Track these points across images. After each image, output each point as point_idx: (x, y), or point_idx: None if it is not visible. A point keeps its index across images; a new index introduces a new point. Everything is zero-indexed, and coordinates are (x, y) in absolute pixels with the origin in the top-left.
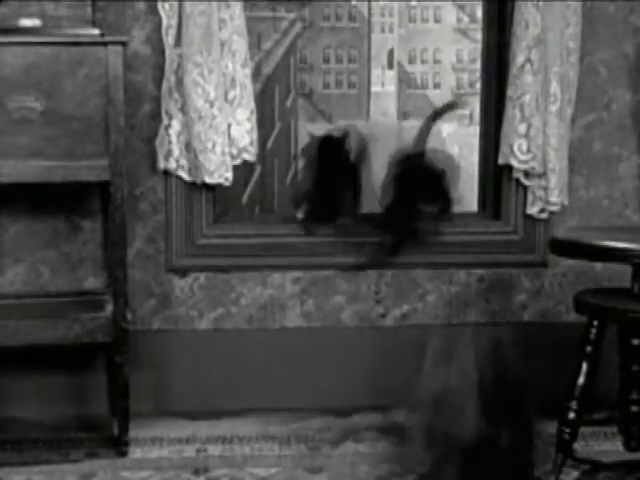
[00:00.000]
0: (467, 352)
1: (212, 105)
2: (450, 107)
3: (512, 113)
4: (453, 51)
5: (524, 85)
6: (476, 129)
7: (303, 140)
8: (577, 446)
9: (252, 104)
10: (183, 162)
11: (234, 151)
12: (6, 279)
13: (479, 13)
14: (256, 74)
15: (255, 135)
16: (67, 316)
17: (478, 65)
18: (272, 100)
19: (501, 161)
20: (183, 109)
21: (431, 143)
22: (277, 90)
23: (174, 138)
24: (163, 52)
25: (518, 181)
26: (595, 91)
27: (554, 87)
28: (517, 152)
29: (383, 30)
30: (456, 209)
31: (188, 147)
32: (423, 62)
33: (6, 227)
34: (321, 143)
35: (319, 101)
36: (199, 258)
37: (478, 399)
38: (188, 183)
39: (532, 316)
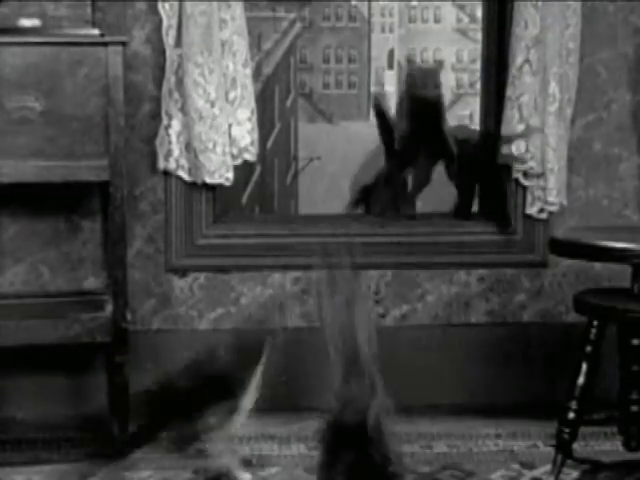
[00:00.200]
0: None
1: (213, 105)
2: None
3: (511, 113)
4: (453, 51)
5: (523, 85)
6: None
7: (303, 140)
8: (577, 446)
9: (253, 104)
10: (183, 162)
11: (235, 151)
12: (6, 279)
13: (479, 13)
14: (256, 74)
15: (256, 135)
16: (67, 316)
17: (478, 65)
18: (272, 100)
19: (501, 161)
20: (183, 109)
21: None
22: (277, 90)
23: (174, 138)
24: (163, 52)
25: (517, 181)
26: (595, 91)
27: (553, 87)
28: (516, 152)
29: (383, 30)
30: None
31: (188, 147)
32: (423, 62)
33: (6, 227)
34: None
35: (319, 101)
36: (199, 258)
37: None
38: (188, 183)
39: (532, 316)
